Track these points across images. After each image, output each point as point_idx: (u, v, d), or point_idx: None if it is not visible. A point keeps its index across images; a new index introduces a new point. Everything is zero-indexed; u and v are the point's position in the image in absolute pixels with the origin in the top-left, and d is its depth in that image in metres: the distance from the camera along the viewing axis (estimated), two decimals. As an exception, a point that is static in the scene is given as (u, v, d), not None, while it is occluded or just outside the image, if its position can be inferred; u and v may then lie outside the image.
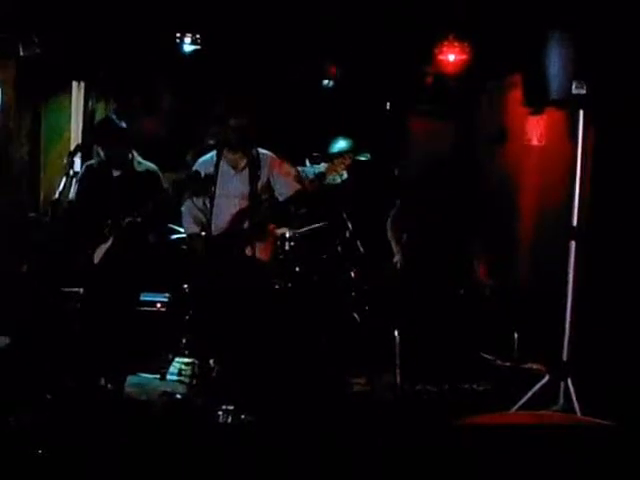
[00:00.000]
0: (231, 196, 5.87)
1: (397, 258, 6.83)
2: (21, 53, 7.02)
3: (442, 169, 7.29)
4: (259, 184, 5.86)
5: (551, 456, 3.99)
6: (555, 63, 5.39)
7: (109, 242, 5.87)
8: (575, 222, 5.55)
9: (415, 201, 6.98)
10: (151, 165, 6.10)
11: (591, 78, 5.28)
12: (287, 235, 6.80)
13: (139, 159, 6.07)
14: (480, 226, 6.95)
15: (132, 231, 5.85)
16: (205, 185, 5.78)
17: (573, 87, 5.30)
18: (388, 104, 8.48)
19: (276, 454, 5.03)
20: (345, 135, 7.58)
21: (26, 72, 7.22)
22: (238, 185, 5.88)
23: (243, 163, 5.91)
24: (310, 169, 7.08)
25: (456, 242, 6.80)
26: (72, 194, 5.82)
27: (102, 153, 6.01)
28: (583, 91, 5.28)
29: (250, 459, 4.93)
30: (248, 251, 5.73)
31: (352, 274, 7.07)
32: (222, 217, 5.84)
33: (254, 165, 5.86)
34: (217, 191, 5.76)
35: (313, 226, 7.03)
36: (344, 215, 7.18)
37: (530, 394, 5.60)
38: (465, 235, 6.84)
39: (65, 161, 5.72)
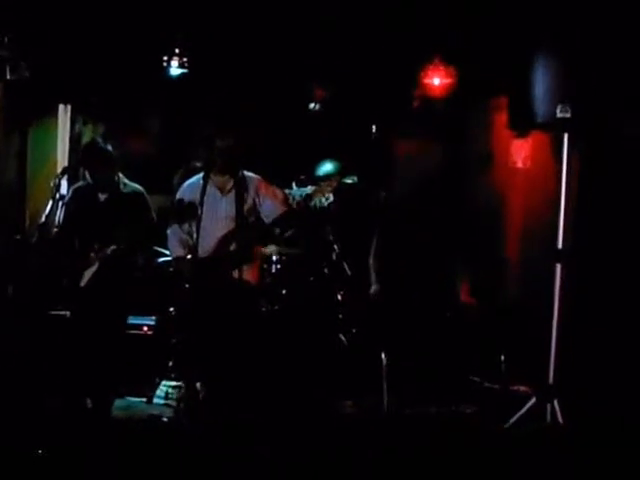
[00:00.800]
0: (218, 218, 5.86)
1: (374, 288, 6.83)
2: (8, 76, 7.02)
3: (429, 188, 7.33)
4: (245, 206, 5.86)
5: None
6: (540, 87, 5.46)
7: (96, 265, 5.86)
8: (560, 244, 5.59)
9: (400, 223, 7.00)
10: (137, 187, 6.10)
11: (575, 102, 5.34)
12: (274, 257, 6.82)
13: (125, 181, 6.07)
14: (464, 247, 6.98)
15: (118, 255, 5.84)
16: (189, 211, 5.79)
17: (558, 111, 5.36)
18: (374, 127, 8.51)
19: (262, 477, 5.02)
20: (331, 158, 7.62)
21: (13, 95, 7.22)
22: (225, 207, 5.87)
23: (230, 185, 5.91)
24: (297, 191, 7.08)
25: (441, 263, 6.82)
26: (59, 217, 5.81)
27: (88, 176, 6.00)
28: (568, 115, 5.34)
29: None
30: (235, 273, 5.74)
31: (339, 296, 7.08)
32: (209, 239, 5.83)
33: (240, 187, 5.88)
34: (204, 214, 5.75)
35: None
36: (330, 237, 7.20)
37: (517, 416, 5.62)
38: (449, 256, 6.86)
39: (52, 184, 5.71)
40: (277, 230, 6.00)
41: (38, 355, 6.37)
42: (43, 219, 5.62)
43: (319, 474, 5.03)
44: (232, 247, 5.81)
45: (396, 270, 6.74)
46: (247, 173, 5.98)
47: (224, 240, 5.83)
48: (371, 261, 6.89)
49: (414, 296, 6.65)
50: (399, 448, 5.48)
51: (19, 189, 7.57)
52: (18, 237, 7.05)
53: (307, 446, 5.49)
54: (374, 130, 8.48)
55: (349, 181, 6.63)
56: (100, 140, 6.57)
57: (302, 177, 7.19)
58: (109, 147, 6.00)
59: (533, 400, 5.65)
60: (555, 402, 5.50)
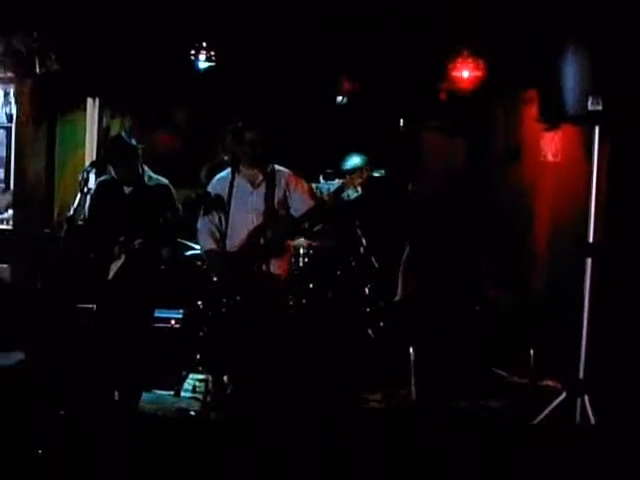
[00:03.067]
0: (248, 212, 5.87)
1: (398, 297, 6.82)
2: (38, 70, 7.06)
3: (456, 182, 7.30)
4: (275, 200, 5.87)
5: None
6: (571, 79, 5.41)
7: (122, 259, 5.87)
8: (591, 238, 5.54)
9: (428, 218, 6.98)
10: (162, 179, 6.10)
11: (607, 94, 5.28)
12: (302, 250, 6.81)
13: (150, 174, 6.06)
14: (492, 241, 6.94)
15: (144, 249, 5.85)
16: (215, 203, 5.79)
17: (589, 103, 5.30)
18: (401, 120, 8.47)
19: (288, 470, 5.01)
20: (358, 151, 7.59)
21: (42, 88, 7.27)
22: (255, 201, 5.88)
23: (260, 179, 5.92)
24: (324, 185, 7.09)
25: (469, 257, 6.78)
26: (85, 210, 5.84)
27: (112, 170, 6.02)
28: (599, 107, 5.28)
29: (263, 475, 4.92)
30: (264, 267, 5.75)
31: (366, 290, 7.06)
32: (238, 233, 5.83)
33: (271, 181, 5.88)
34: (233, 207, 5.76)
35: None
36: (358, 231, 7.18)
37: (547, 411, 5.58)
38: (477, 250, 6.83)
39: (80, 177, 5.73)
40: (306, 224, 5.97)
41: (66, 348, 6.41)
42: (71, 212, 5.64)
43: (347, 467, 5.02)
44: (262, 241, 5.82)
45: (426, 266, 6.72)
46: (277, 167, 5.98)
47: (254, 234, 5.83)
48: (401, 269, 6.87)
49: (442, 290, 6.63)
50: (427, 441, 5.45)
51: (47, 182, 7.63)
52: (47, 230, 7.12)
53: (335, 439, 5.48)
54: (402, 123, 8.44)
55: (377, 174, 6.62)
56: (124, 134, 6.59)
57: (329, 171, 7.19)
58: (133, 141, 6.00)
59: (563, 395, 5.60)
60: (585, 397, 5.45)
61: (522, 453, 5.12)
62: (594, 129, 5.49)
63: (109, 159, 6.05)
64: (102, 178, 6.17)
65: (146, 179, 6.02)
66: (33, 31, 6.70)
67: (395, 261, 7.17)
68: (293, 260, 6.60)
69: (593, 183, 5.53)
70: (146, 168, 6.06)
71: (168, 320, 6.85)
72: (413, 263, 6.86)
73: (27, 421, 5.43)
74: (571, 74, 5.41)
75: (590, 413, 5.39)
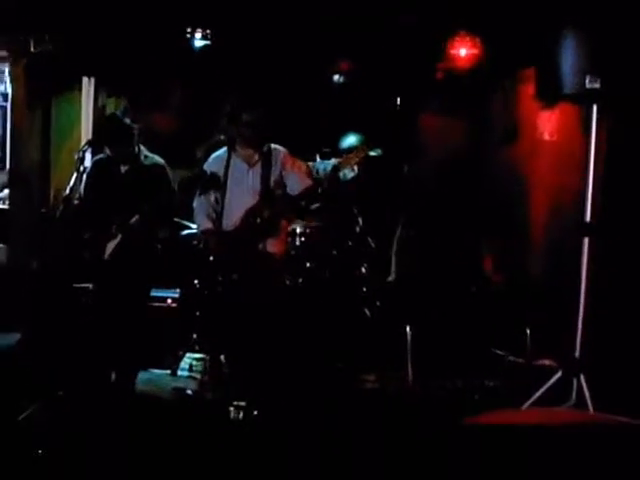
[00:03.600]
0: (244, 191, 5.85)
1: (392, 277, 6.80)
2: (32, 49, 7.02)
3: (453, 161, 7.28)
4: (272, 179, 5.86)
5: (564, 454, 3.96)
6: (569, 57, 5.36)
7: (118, 238, 5.86)
8: (588, 218, 5.53)
9: (423, 197, 6.96)
10: (158, 159, 6.08)
11: (605, 72, 5.24)
12: (298, 229, 6.80)
13: (146, 153, 6.05)
14: (489, 221, 6.92)
15: (140, 228, 5.84)
16: (211, 182, 5.78)
17: (587, 81, 5.27)
18: (398, 100, 8.43)
19: (285, 450, 5.02)
20: (355, 131, 7.57)
21: (37, 69, 7.22)
22: (251, 180, 5.87)
23: (256, 158, 5.90)
24: (320, 164, 7.06)
25: (465, 237, 6.77)
26: (80, 190, 5.82)
27: (108, 149, 5.99)
28: (597, 85, 5.25)
29: (259, 455, 4.92)
30: (260, 246, 5.74)
31: (363, 270, 7.05)
32: (235, 212, 5.82)
33: (267, 160, 5.87)
34: (229, 186, 5.73)
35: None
36: (355, 210, 7.17)
37: (542, 390, 5.59)
38: (474, 230, 6.81)
39: (76, 157, 5.71)
40: (303, 203, 5.96)
41: (63, 328, 6.40)
42: (67, 192, 5.62)
43: (342, 448, 5.03)
44: (258, 220, 5.80)
45: (422, 246, 6.70)
46: (274, 146, 5.96)
47: (250, 213, 5.82)
48: (394, 249, 6.85)
49: (439, 270, 6.62)
50: (423, 421, 5.46)
51: (43, 162, 7.60)
52: (43, 210, 7.10)
53: (330, 419, 5.49)
54: (399, 102, 8.40)
55: (374, 153, 6.58)
56: (119, 113, 6.58)
57: (326, 150, 7.17)
58: (128, 120, 5.97)
59: (559, 374, 5.60)
60: (581, 376, 5.45)
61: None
62: (592, 107, 5.47)
63: (104, 138, 6.04)
64: (97, 157, 6.15)
65: (142, 158, 6.00)
66: (27, 11, 6.65)
67: (391, 241, 7.16)
68: (289, 239, 6.59)
69: (590, 162, 5.51)
70: (142, 147, 6.05)
71: (165, 299, 6.84)
72: (407, 242, 6.84)
73: (25, 401, 5.44)
74: (569, 52, 5.34)
75: (586, 392, 5.40)
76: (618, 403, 5.15)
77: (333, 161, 6.07)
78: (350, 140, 7.39)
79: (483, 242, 6.82)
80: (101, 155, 6.15)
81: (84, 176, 5.78)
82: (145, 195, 5.75)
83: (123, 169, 5.99)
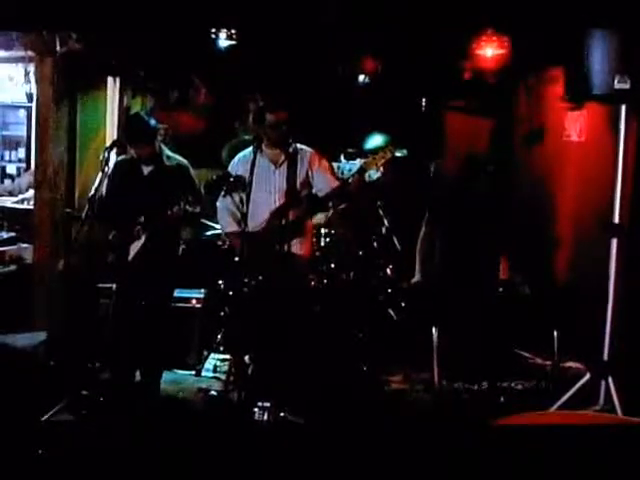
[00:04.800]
0: (270, 192, 5.84)
1: (417, 278, 6.76)
2: (58, 49, 7.04)
3: (479, 162, 7.23)
4: (298, 180, 5.84)
5: (593, 457, 3.92)
6: (598, 57, 5.31)
7: (142, 239, 5.86)
8: (617, 219, 5.47)
9: (448, 199, 6.92)
10: (181, 159, 6.07)
11: (634, 72, 5.19)
12: (323, 230, 6.78)
13: (168, 153, 6.04)
14: (510, 223, 6.88)
15: (165, 229, 5.84)
16: (237, 184, 5.76)
17: (616, 81, 5.22)
18: (424, 100, 8.38)
19: (312, 451, 5.00)
20: (380, 131, 7.54)
21: (63, 68, 7.24)
22: (277, 181, 5.86)
23: (282, 159, 5.88)
24: (345, 165, 7.05)
25: (491, 240, 6.72)
26: (103, 190, 5.83)
27: (131, 149, 5.99)
28: (626, 86, 5.20)
29: (286, 457, 4.90)
30: (286, 247, 5.72)
31: (388, 271, 7.02)
32: (261, 213, 5.81)
33: (293, 161, 5.85)
34: (255, 187, 5.69)
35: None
36: (381, 211, 7.14)
37: (570, 393, 5.54)
38: (501, 232, 6.77)
39: (101, 157, 5.72)
40: (329, 204, 5.93)
41: (88, 328, 6.42)
42: (92, 192, 5.63)
43: (368, 448, 5.00)
44: (283, 221, 5.78)
45: (448, 247, 6.66)
46: (300, 146, 5.94)
47: (276, 213, 5.81)
48: (418, 248, 6.81)
49: (465, 271, 6.57)
50: (449, 423, 5.42)
51: (69, 163, 7.62)
52: (68, 210, 7.12)
53: (357, 420, 5.47)
54: (424, 103, 8.36)
55: (399, 154, 6.57)
56: (143, 113, 6.58)
57: (351, 150, 7.14)
58: (152, 121, 5.97)
59: (587, 377, 5.55)
60: (610, 379, 5.40)
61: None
62: (621, 108, 5.42)
63: (127, 138, 6.04)
64: (120, 158, 6.15)
65: (165, 159, 5.99)
66: (53, 10, 6.66)
67: (417, 242, 7.13)
68: (314, 240, 6.57)
69: (619, 163, 5.46)
70: (164, 147, 6.04)
71: (189, 300, 6.83)
72: (432, 243, 6.80)
73: (49, 401, 5.46)
74: (597, 52, 5.31)
75: (614, 395, 5.34)
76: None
77: (358, 162, 6.05)
78: (375, 141, 7.37)
79: (501, 245, 6.76)
80: (123, 156, 6.16)
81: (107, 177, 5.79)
82: (169, 196, 5.74)
83: (146, 170, 5.98)
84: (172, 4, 6.89)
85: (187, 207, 5.67)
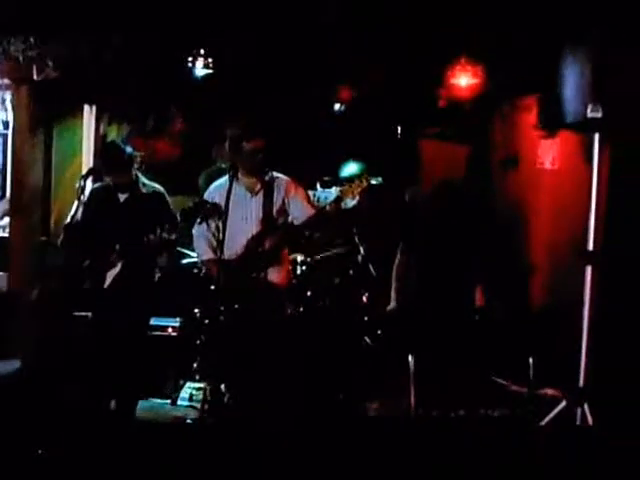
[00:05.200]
0: (246, 220, 5.84)
1: (392, 305, 6.77)
2: (35, 76, 7.03)
3: (454, 190, 7.27)
4: (274, 208, 5.85)
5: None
6: (571, 86, 5.39)
7: (118, 266, 5.84)
8: (591, 246, 5.52)
9: (423, 225, 6.96)
10: (157, 186, 6.07)
11: (607, 101, 5.26)
12: (299, 258, 6.78)
13: (144, 180, 6.04)
14: (484, 249, 6.91)
15: (141, 256, 5.82)
16: (213, 211, 5.75)
17: (589, 110, 5.29)
18: (399, 128, 8.44)
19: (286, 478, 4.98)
20: (355, 159, 7.57)
21: (39, 95, 7.23)
22: (253, 209, 5.86)
23: (258, 187, 5.89)
24: (321, 193, 7.05)
25: (467, 266, 6.75)
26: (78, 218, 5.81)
27: (107, 177, 5.98)
28: (599, 114, 5.28)
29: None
30: (262, 276, 5.72)
31: (364, 298, 7.03)
32: (236, 241, 5.80)
33: (269, 189, 5.86)
34: (231, 215, 5.71)
35: (327, 254, 7.01)
36: (356, 239, 7.16)
37: (546, 420, 5.55)
38: (476, 259, 6.79)
39: (77, 185, 5.71)
40: (306, 232, 5.94)
41: (63, 356, 6.37)
42: (69, 220, 5.61)
43: (344, 476, 4.99)
44: (260, 249, 5.79)
45: (423, 274, 6.68)
46: (276, 174, 5.96)
47: (252, 242, 5.81)
48: (393, 276, 6.82)
49: (440, 298, 6.59)
50: (426, 450, 5.41)
51: (44, 190, 7.59)
52: (44, 238, 7.09)
53: (332, 448, 5.45)
54: (400, 131, 8.41)
55: (374, 182, 6.59)
56: (119, 141, 6.58)
57: (327, 178, 7.16)
58: (128, 148, 5.97)
59: (563, 403, 5.57)
60: (585, 406, 5.42)
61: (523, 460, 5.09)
62: (594, 136, 5.48)
63: (103, 166, 6.04)
64: (95, 185, 6.15)
65: (140, 186, 5.99)
66: (29, 38, 6.67)
67: (392, 269, 7.14)
68: (290, 267, 6.57)
69: (593, 190, 5.52)
70: (140, 175, 6.03)
71: (165, 328, 6.81)
72: (407, 271, 6.82)
73: (25, 428, 5.40)
74: (571, 81, 5.39)
75: (590, 421, 5.36)
76: (622, 431, 5.14)
77: (334, 190, 6.06)
78: (351, 168, 7.40)
79: (475, 272, 6.78)
80: (99, 183, 6.15)
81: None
82: (145, 224, 5.73)
83: (122, 197, 5.97)
84: (149, 32, 6.93)
85: (163, 234, 5.67)
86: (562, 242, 6.66)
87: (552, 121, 5.84)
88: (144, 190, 5.99)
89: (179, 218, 5.80)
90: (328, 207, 5.72)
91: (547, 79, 5.56)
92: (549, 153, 7.01)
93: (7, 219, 7.95)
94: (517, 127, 7.55)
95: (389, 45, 7.03)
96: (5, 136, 8.59)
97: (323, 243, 6.77)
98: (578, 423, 5.51)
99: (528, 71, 6.36)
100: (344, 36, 7.02)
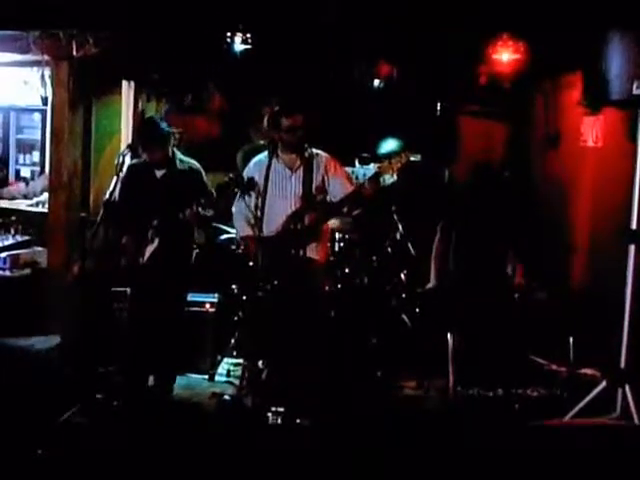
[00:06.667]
0: (286, 197, 5.83)
1: (431, 284, 6.72)
2: (74, 53, 7.05)
3: (494, 168, 7.20)
4: (314, 185, 5.83)
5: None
6: (616, 63, 5.29)
7: (156, 242, 5.86)
8: (634, 225, 5.43)
9: (463, 204, 6.89)
10: (193, 162, 6.08)
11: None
12: (337, 235, 6.76)
13: (181, 157, 6.05)
14: (525, 229, 6.83)
15: (178, 232, 5.83)
16: (249, 187, 5.74)
17: (634, 87, 5.19)
18: (439, 104, 8.35)
19: (325, 457, 4.98)
20: (394, 136, 7.51)
21: (78, 72, 7.25)
22: (293, 186, 5.85)
23: (298, 164, 5.87)
24: (360, 170, 7.02)
25: (507, 246, 6.69)
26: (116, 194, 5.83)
27: (144, 153, 5.99)
28: (645, 91, 5.17)
29: (300, 461, 4.89)
30: (302, 252, 5.71)
31: (402, 276, 6.99)
32: (276, 218, 5.80)
33: (309, 166, 5.83)
34: (270, 192, 5.72)
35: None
36: (395, 217, 7.12)
37: (586, 401, 5.49)
38: (516, 238, 6.73)
39: (116, 161, 5.72)
40: (345, 209, 5.90)
41: (102, 332, 6.42)
42: (107, 196, 5.63)
43: (384, 454, 4.98)
44: (299, 226, 5.77)
45: (463, 253, 6.62)
46: (316, 151, 5.93)
47: (291, 218, 5.79)
48: (432, 254, 6.77)
49: (480, 277, 6.54)
50: (464, 430, 5.40)
51: (83, 166, 7.63)
52: (83, 214, 7.13)
53: (371, 427, 5.45)
54: (439, 107, 8.32)
55: (414, 159, 6.53)
56: (157, 117, 6.58)
57: (365, 155, 7.11)
58: (165, 125, 5.97)
59: (603, 384, 5.51)
60: (626, 387, 5.36)
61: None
62: (638, 113, 5.38)
63: (141, 142, 6.05)
64: (133, 162, 6.16)
65: (177, 162, 5.99)
66: (70, 14, 6.67)
67: (431, 247, 7.09)
68: (329, 245, 6.55)
69: (637, 168, 5.42)
70: (177, 151, 6.04)
71: (203, 304, 6.82)
72: (446, 249, 6.76)
73: (64, 404, 5.46)
74: (615, 57, 5.29)
75: (631, 404, 5.29)
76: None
77: (373, 167, 6.02)
78: (390, 145, 7.34)
79: (517, 250, 6.71)
80: (135, 160, 6.16)
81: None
82: (181, 199, 5.74)
83: (159, 174, 5.99)
84: (188, 8, 6.90)
85: (200, 210, 5.67)
86: (605, 221, 6.56)
87: (596, 98, 5.74)
88: (181, 167, 5.99)
89: (215, 193, 5.80)
90: (366, 183, 5.68)
91: (591, 55, 5.46)
92: (592, 130, 6.90)
93: (46, 195, 8.02)
94: (559, 104, 7.44)
95: (430, 20, 6.95)
96: (44, 112, 8.65)
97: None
98: (619, 405, 5.42)
99: (572, 47, 6.25)
100: (384, 13, 6.94)
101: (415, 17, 6.94)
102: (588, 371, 6.33)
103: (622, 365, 5.46)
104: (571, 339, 6.21)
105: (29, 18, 6.77)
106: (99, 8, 6.80)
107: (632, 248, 5.42)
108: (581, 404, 5.50)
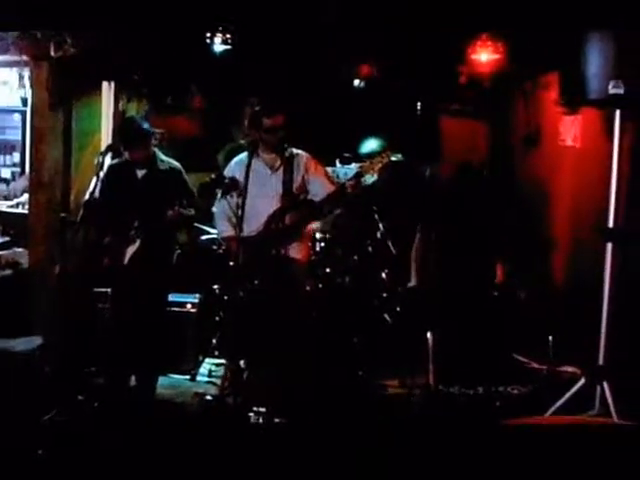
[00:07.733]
0: (266, 196, 5.84)
1: (412, 283, 6.75)
2: (53, 54, 7.02)
3: (474, 167, 7.24)
4: (294, 184, 5.84)
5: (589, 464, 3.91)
6: (593, 62, 5.33)
7: (137, 243, 5.85)
8: (612, 223, 5.48)
9: (443, 202, 6.93)
10: (174, 163, 6.08)
11: (629, 77, 5.20)
12: (317, 235, 6.78)
13: (162, 157, 6.04)
14: (505, 227, 6.87)
15: (159, 232, 5.84)
16: (231, 186, 5.75)
17: (610, 87, 5.23)
18: (419, 104, 8.38)
19: (306, 456, 4.99)
20: (375, 135, 7.54)
21: (58, 72, 7.23)
22: (273, 185, 5.86)
23: (278, 163, 5.89)
24: (341, 169, 7.05)
25: (487, 244, 6.73)
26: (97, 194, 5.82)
27: (126, 153, 5.99)
28: (621, 91, 5.22)
29: (280, 461, 4.90)
30: (283, 252, 5.72)
31: (383, 275, 7.02)
32: (256, 218, 5.80)
33: (289, 165, 5.85)
34: (251, 191, 5.72)
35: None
36: (376, 216, 7.14)
37: (565, 398, 5.54)
38: (496, 236, 6.77)
39: (96, 161, 5.71)
40: (325, 208, 5.92)
41: (84, 333, 6.41)
42: (87, 196, 5.62)
43: (363, 454, 5.00)
44: (280, 225, 5.78)
45: (443, 252, 6.66)
46: (296, 150, 5.95)
47: (272, 218, 5.80)
48: (413, 252, 6.81)
49: (460, 275, 6.58)
50: (445, 428, 5.42)
51: (64, 167, 7.59)
52: (63, 215, 7.10)
53: (351, 425, 5.46)
54: (420, 107, 8.36)
55: (394, 158, 6.55)
56: (138, 117, 6.57)
57: (346, 155, 7.14)
58: (146, 124, 5.98)
59: (582, 381, 5.55)
60: (605, 384, 5.40)
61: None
62: (615, 113, 5.43)
63: (122, 141, 6.05)
64: (113, 162, 6.16)
65: (158, 162, 5.99)
66: (48, 15, 6.64)
67: (412, 246, 7.13)
68: (310, 244, 6.56)
69: (614, 167, 5.47)
70: (158, 151, 6.04)
71: (184, 304, 6.83)
72: (428, 248, 6.80)
73: (46, 405, 5.45)
74: (593, 57, 5.33)
75: (610, 400, 5.34)
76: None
77: (354, 166, 6.05)
78: (371, 145, 7.37)
79: (497, 249, 6.76)
80: (116, 159, 6.15)
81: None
82: (162, 199, 5.74)
83: (140, 173, 5.98)
84: (168, 8, 6.89)
85: (181, 210, 5.68)
86: (583, 219, 6.61)
87: (574, 97, 5.79)
88: (162, 166, 5.99)
89: (196, 193, 5.80)
90: (347, 183, 5.70)
91: (569, 55, 5.50)
92: (571, 130, 6.94)
93: (27, 196, 7.98)
94: (539, 103, 7.49)
95: (410, 20, 6.97)
96: (24, 113, 8.60)
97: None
98: (597, 402, 5.47)
99: (550, 47, 6.29)
100: (366, 10, 6.95)
101: (394, 17, 6.96)
102: (568, 368, 6.38)
103: (601, 362, 5.50)
104: (551, 337, 6.26)
105: (8, 19, 6.74)
106: (79, 8, 6.78)
107: (609, 246, 5.47)
108: (561, 401, 5.54)
